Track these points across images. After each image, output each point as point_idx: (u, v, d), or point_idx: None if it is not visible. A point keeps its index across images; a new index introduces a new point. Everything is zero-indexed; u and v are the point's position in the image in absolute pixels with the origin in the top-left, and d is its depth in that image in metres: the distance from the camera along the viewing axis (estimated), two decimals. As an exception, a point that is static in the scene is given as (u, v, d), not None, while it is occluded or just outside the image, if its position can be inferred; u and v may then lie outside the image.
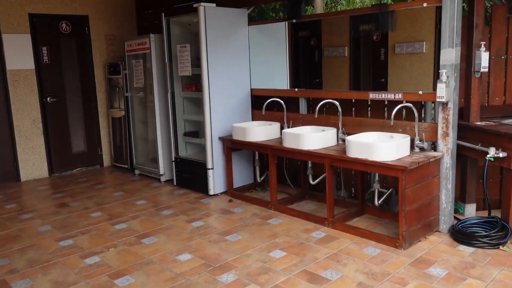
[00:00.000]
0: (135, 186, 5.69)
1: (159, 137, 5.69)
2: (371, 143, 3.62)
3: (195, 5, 4.73)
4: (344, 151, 3.82)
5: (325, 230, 3.93)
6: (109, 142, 6.82)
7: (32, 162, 6.17)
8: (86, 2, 6.43)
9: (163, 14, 5.21)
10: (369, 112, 4.42)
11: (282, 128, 4.78)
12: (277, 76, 4.96)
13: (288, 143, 4.24)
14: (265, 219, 4.29)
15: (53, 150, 6.36)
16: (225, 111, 5.04)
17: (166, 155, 5.69)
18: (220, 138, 5.00)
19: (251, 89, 5.25)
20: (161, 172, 5.75)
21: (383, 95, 4.03)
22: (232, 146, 4.92)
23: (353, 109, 4.50)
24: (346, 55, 4.39)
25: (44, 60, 6.14)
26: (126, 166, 6.45)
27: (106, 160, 6.89)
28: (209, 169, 5.00)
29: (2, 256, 3.66)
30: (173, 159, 5.50)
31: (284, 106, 4.75)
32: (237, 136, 4.78)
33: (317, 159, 4.04)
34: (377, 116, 4.32)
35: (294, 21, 4.74)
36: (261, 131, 4.65)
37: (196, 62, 5.00)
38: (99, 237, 4.00)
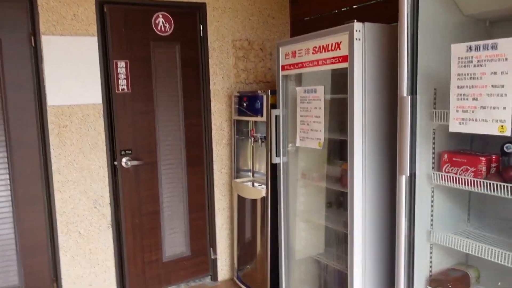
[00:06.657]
0: None
1: (357, 279, 2.31)
2: None
3: None
4: None
5: None
6: (231, 238, 3.65)
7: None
8: (204, -22, 3.43)
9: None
10: None
11: None
12: None
13: None
14: None
15: (128, 253, 3.34)
16: None
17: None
18: None
19: None
20: None
21: None
22: None
23: None
24: None
25: (120, 87, 3.18)
26: (262, 298, 3.18)
27: (224, 269, 3.70)
28: None
29: None
30: None
31: None
32: None
33: None
34: None
35: None
36: None
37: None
38: None
